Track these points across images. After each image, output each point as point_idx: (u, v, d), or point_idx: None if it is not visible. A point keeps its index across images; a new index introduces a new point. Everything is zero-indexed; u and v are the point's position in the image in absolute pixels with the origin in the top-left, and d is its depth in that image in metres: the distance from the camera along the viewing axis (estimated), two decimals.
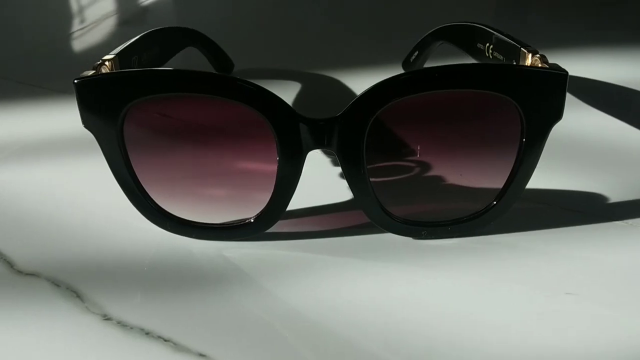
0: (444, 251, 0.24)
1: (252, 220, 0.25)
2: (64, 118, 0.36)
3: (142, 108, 0.23)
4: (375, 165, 0.24)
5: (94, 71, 0.24)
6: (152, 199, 0.25)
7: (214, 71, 0.40)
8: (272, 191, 0.24)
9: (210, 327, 0.22)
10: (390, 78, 0.22)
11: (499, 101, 0.23)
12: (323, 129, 0.23)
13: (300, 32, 0.50)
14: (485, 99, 0.23)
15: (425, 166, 0.25)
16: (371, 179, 0.24)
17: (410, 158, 0.25)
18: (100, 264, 0.25)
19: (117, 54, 0.26)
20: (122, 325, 0.22)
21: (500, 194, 0.24)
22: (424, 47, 0.38)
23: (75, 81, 0.23)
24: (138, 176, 0.24)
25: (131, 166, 0.24)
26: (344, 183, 0.24)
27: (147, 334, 0.21)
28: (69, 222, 0.27)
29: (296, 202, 0.25)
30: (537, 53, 0.25)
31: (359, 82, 0.39)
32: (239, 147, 0.25)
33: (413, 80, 0.22)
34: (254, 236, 0.25)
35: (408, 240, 0.25)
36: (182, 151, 0.25)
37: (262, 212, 0.25)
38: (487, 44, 0.31)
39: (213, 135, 0.25)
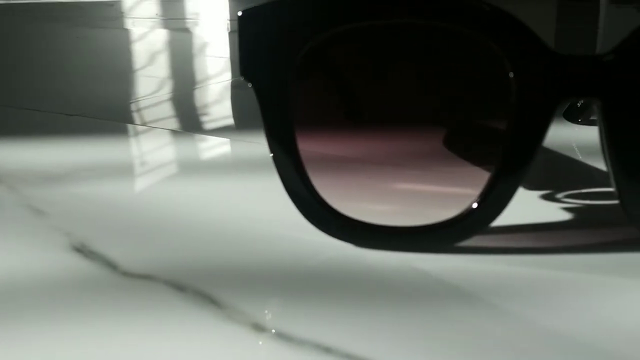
0: None
1: (474, 207, 0.19)
2: None
3: (323, 48, 0.19)
4: None
5: None
6: (314, 189, 0.20)
7: None
8: (498, 165, 0.19)
9: (428, 347, 0.16)
10: None
11: None
12: (588, 68, 0.18)
13: None
14: None
15: None
16: None
17: None
18: (238, 270, 0.19)
19: None
20: (286, 338, 0.16)
21: None
22: None
23: (240, 13, 0.18)
24: (301, 152, 0.19)
25: (294, 134, 0.19)
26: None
27: (327, 350, 0.15)
28: (203, 229, 0.22)
29: None
30: None
31: None
32: (452, 102, 0.20)
33: None
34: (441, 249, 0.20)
35: None
36: (367, 115, 0.20)
37: (483, 196, 0.19)
38: None
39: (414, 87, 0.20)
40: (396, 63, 0.20)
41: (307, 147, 0.20)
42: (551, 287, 0.18)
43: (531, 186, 0.25)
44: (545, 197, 0.24)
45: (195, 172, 0.28)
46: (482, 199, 0.19)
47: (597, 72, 0.18)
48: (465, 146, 0.21)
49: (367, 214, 0.20)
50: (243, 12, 0.19)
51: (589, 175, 0.27)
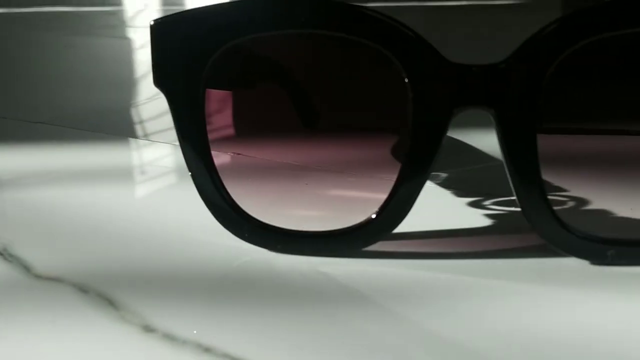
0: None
1: (373, 218, 0.20)
2: None
3: (233, 56, 0.19)
4: (550, 142, 0.19)
5: None
6: (228, 193, 0.20)
7: None
8: (397, 175, 0.19)
9: (312, 348, 0.16)
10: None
11: None
12: (481, 77, 0.18)
13: None
14: None
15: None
16: (542, 163, 0.18)
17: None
18: (145, 274, 0.20)
19: None
20: (171, 338, 0.16)
21: None
22: None
23: (152, 22, 0.19)
24: (214, 157, 0.20)
25: (207, 140, 0.19)
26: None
27: (206, 350, 0.16)
28: (111, 233, 0.23)
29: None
30: None
31: None
32: (350, 111, 0.20)
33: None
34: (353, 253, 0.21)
35: (583, 265, 0.19)
36: (278, 121, 0.21)
37: (383, 206, 0.20)
38: None
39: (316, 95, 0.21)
40: (303, 72, 0.21)
41: (221, 153, 0.20)
42: (444, 291, 0.19)
43: (462, 193, 0.25)
44: (472, 204, 0.25)
45: (129, 179, 0.29)
46: (385, 205, 0.20)
47: (489, 82, 0.18)
48: (385, 152, 0.22)
49: (284, 219, 0.21)
50: (154, 21, 0.19)
51: None
